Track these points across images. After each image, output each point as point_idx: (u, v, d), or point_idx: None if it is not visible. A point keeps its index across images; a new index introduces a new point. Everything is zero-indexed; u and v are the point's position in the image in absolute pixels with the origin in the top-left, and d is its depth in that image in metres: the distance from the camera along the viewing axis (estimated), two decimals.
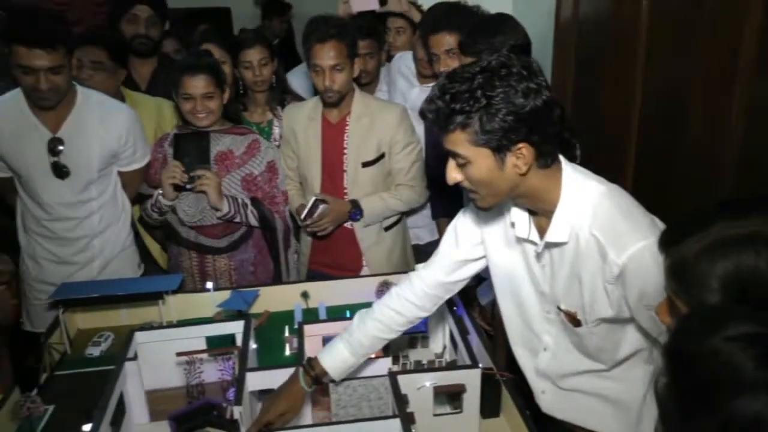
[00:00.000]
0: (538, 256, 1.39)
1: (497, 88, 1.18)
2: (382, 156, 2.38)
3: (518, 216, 1.39)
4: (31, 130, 2.14)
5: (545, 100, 1.20)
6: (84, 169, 2.20)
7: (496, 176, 1.25)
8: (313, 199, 2.31)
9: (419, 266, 1.65)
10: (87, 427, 1.41)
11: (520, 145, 1.22)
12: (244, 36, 2.63)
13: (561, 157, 1.33)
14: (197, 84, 2.18)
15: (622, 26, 2.16)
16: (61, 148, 2.14)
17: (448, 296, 1.62)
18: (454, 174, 1.30)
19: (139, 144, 2.32)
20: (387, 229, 2.48)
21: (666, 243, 0.94)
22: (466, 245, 1.53)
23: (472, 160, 1.24)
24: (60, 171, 2.16)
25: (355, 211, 2.37)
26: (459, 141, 1.23)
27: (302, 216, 2.32)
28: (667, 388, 0.66)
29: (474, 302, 1.90)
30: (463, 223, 1.54)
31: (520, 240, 1.41)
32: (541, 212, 1.35)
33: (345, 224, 2.43)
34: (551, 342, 1.48)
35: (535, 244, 1.38)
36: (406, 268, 2.51)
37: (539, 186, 1.29)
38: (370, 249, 2.46)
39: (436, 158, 2.49)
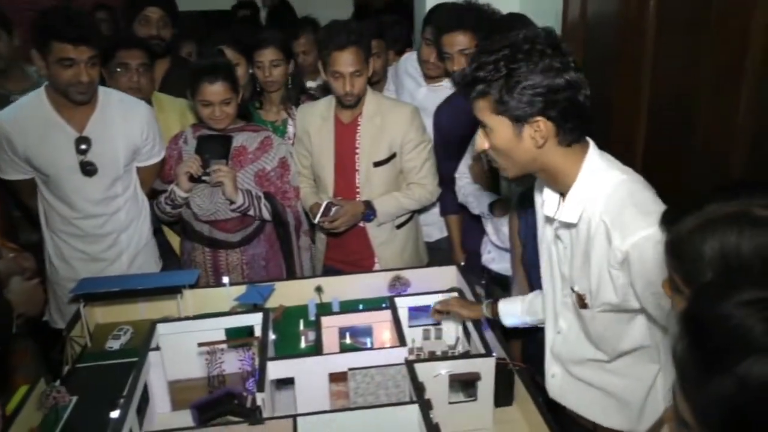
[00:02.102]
0: (558, 236, 1.44)
1: (519, 62, 1.25)
2: (393, 155, 2.43)
3: (549, 195, 1.44)
4: (57, 130, 2.18)
5: (568, 80, 1.26)
6: (111, 165, 2.25)
7: (514, 146, 1.32)
8: (326, 202, 2.36)
9: None
10: (115, 413, 1.45)
11: (538, 118, 1.28)
12: (260, 36, 2.68)
13: (591, 143, 1.38)
14: (216, 91, 2.24)
15: (629, 25, 2.19)
16: (86, 146, 2.19)
17: None
18: (482, 141, 1.37)
19: (157, 138, 2.39)
20: (399, 227, 2.52)
21: (666, 221, 0.99)
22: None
23: (493, 128, 1.33)
24: (88, 169, 2.21)
25: (369, 211, 2.41)
26: (482, 109, 1.32)
27: (316, 219, 2.37)
28: (685, 351, 0.70)
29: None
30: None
31: (548, 219, 1.47)
32: (557, 191, 1.41)
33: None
34: (564, 326, 1.52)
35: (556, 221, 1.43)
36: (419, 264, 2.57)
37: (557, 163, 1.35)
38: (382, 246, 2.50)
39: (445, 156, 2.54)
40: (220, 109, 2.27)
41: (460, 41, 2.27)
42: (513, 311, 1.76)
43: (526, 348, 2.10)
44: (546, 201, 1.45)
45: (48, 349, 1.91)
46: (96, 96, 2.23)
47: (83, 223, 2.27)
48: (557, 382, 1.59)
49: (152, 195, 2.47)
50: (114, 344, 2.01)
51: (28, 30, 2.17)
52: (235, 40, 2.69)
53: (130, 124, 2.28)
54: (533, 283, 1.88)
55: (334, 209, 2.36)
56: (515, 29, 1.93)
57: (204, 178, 2.27)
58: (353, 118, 2.43)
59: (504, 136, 1.32)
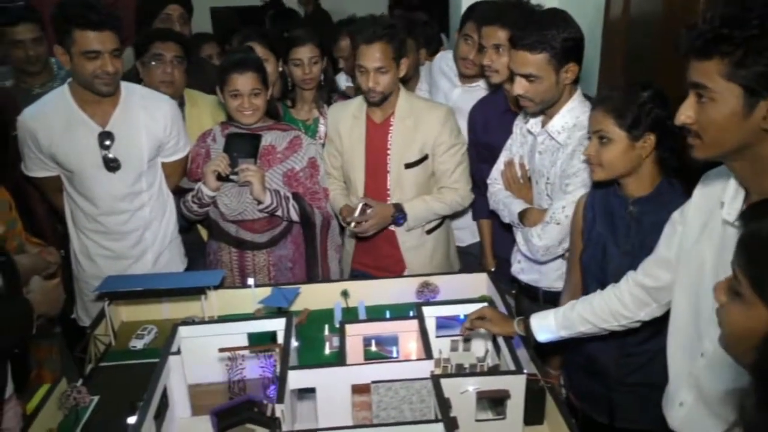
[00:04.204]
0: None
1: None
2: (425, 157, 2.36)
3: (733, 197, 1.26)
4: (80, 126, 2.18)
5: None
6: (134, 161, 2.24)
7: (734, 123, 1.13)
8: (361, 204, 2.31)
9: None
10: (132, 419, 1.43)
11: None
12: (295, 34, 2.65)
13: None
14: (246, 81, 2.21)
15: (676, 19, 2.09)
16: (110, 142, 2.18)
17: (654, 303, 1.53)
18: (688, 112, 1.19)
19: (181, 134, 2.37)
20: (429, 232, 2.46)
21: (748, 216, 0.90)
22: (663, 241, 1.48)
23: (717, 97, 1.13)
24: (111, 165, 2.20)
25: (399, 215, 2.35)
26: (710, 72, 1.12)
27: (353, 219, 2.31)
28: (758, 406, 0.62)
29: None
30: (670, 219, 1.47)
31: (725, 224, 1.27)
32: (758, 192, 1.20)
33: (387, 226, 2.41)
34: (710, 348, 1.31)
35: (737, 227, 1.24)
36: (448, 270, 2.50)
37: None
38: (411, 252, 2.44)
39: (479, 159, 2.46)
40: (249, 101, 2.23)
41: (497, 36, 2.20)
42: (547, 326, 1.68)
43: (565, 362, 2.02)
44: (727, 203, 1.25)
45: (74, 347, 1.90)
46: (119, 91, 2.22)
47: (107, 219, 2.26)
48: (683, 412, 1.40)
49: (178, 192, 2.45)
50: (138, 344, 2.00)
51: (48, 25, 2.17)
52: (264, 37, 2.66)
53: (153, 120, 2.26)
54: (588, 285, 1.81)
55: (369, 211, 2.30)
56: (552, 25, 1.88)
57: (232, 177, 2.24)
58: (385, 117, 2.37)
59: (728, 109, 1.12)
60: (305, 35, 2.63)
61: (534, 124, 2.09)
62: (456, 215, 2.60)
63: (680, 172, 1.69)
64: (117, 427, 1.50)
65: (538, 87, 1.92)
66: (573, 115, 1.98)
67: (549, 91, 1.94)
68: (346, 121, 2.40)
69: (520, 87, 1.94)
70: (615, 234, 1.75)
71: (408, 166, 2.35)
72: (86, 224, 2.29)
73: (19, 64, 2.76)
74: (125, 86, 2.25)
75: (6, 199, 2.02)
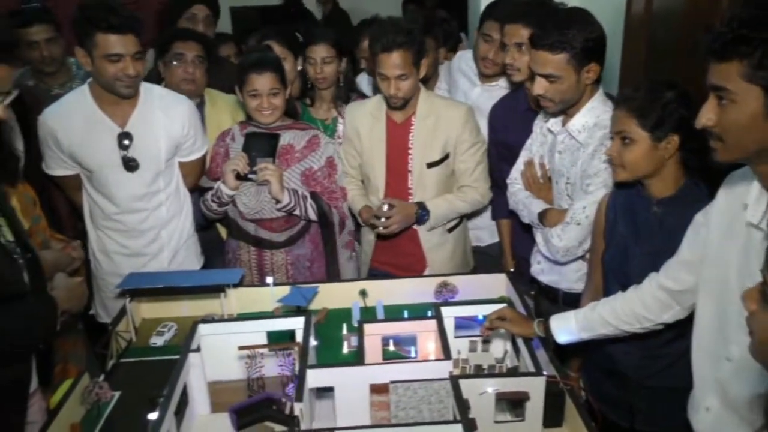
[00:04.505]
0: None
1: None
2: (446, 156, 2.35)
3: (756, 198, 1.24)
4: (100, 126, 2.20)
5: None
6: (152, 161, 2.26)
7: (756, 124, 1.12)
8: (387, 204, 2.31)
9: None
10: (153, 415, 1.44)
11: None
12: (312, 32, 2.65)
13: None
14: (264, 81, 2.22)
15: (700, 19, 2.06)
16: (128, 142, 2.20)
17: (677, 306, 1.52)
18: (709, 114, 1.18)
19: (198, 134, 2.39)
20: (450, 230, 2.46)
21: None
22: (686, 243, 1.46)
23: (737, 99, 1.12)
24: (129, 164, 2.22)
25: (422, 212, 2.34)
26: (730, 74, 1.12)
27: (379, 223, 2.31)
28: None
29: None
30: (694, 221, 1.45)
31: (750, 226, 1.26)
32: None
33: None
34: (737, 353, 1.28)
35: (761, 230, 1.23)
36: (466, 270, 2.49)
37: None
38: (433, 250, 2.43)
39: (498, 158, 2.45)
40: (267, 101, 2.24)
41: (520, 34, 2.18)
42: (567, 328, 1.67)
43: (585, 364, 2.00)
44: (751, 205, 1.24)
45: (93, 343, 1.92)
46: (138, 92, 2.24)
47: (125, 218, 2.29)
48: (710, 418, 1.37)
49: (198, 191, 2.47)
50: (158, 340, 2.01)
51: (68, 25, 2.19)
52: (282, 36, 2.66)
53: (171, 120, 2.28)
54: (609, 287, 1.79)
55: (393, 211, 2.31)
56: (573, 24, 1.86)
57: (250, 176, 2.25)
58: (406, 117, 2.36)
59: (749, 110, 1.11)
60: (320, 34, 2.64)
61: (554, 123, 2.07)
62: (475, 215, 2.59)
63: (705, 173, 1.66)
64: (138, 423, 1.51)
65: (559, 87, 1.91)
66: (594, 114, 1.96)
67: (569, 91, 1.92)
68: (364, 120, 2.40)
69: (540, 87, 1.92)
70: (637, 235, 1.73)
71: (430, 165, 2.34)
72: (104, 222, 2.32)
73: (35, 65, 2.79)
74: (144, 87, 2.27)
75: (31, 195, 2.05)
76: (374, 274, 2.48)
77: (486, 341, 1.85)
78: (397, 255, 2.47)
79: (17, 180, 2.02)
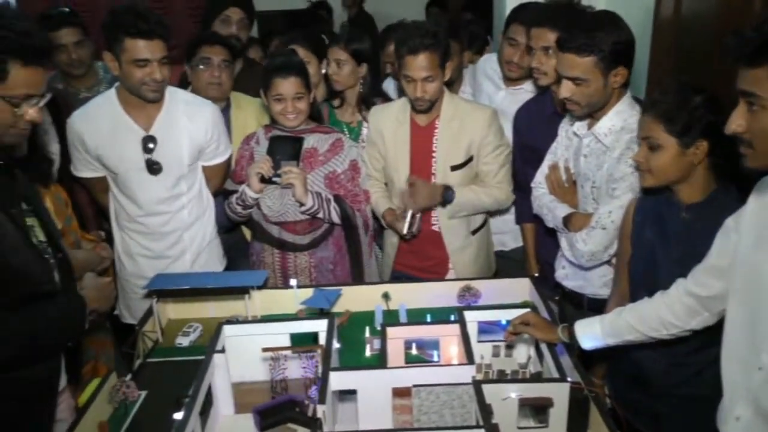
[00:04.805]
0: None
1: None
2: (470, 159, 2.35)
3: None
4: (125, 129, 2.24)
5: None
6: (175, 164, 2.29)
7: None
8: (410, 212, 2.31)
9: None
10: (178, 415, 1.46)
11: None
12: (334, 34, 2.67)
13: None
14: (289, 85, 2.24)
15: (731, 21, 2.02)
16: (153, 145, 2.24)
17: (705, 312, 1.50)
18: (739, 120, 1.19)
19: (222, 138, 2.41)
20: (474, 232, 2.45)
21: None
22: (715, 248, 1.44)
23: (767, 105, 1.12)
24: (153, 168, 2.26)
25: (449, 192, 2.32)
26: (760, 79, 1.12)
27: (404, 231, 2.32)
28: None
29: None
30: (723, 226, 1.44)
31: None
32: None
33: (432, 227, 2.41)
34: None
35: None
36: (489, 274, 2.48)
37: None
38: (456, 253, 2.43)
39: (523, 162, 2.43)
40: (292, 105, 2.26)
41: (547, 38, 2.16)
42: (592, 333, 1.65)
43: (610, 371, 1.97)
44: None
45: (119, 343, 1.95)
46: (163, 96, 2.27)
47: (148, 220, 2.33)
48: (741, 427, 1.34)
49: (223, 194, 2.49)
50: (183, 341, 2.04)
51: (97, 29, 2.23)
52: (306, 39, 2.68)
53: (194, 124, 2.31)
54: (635, 292, 1.76)
55: (418, 217, 2.32)
56: (601, 27, 1.84)
57: (275, 179, 2.27)
58: (430, 120, 2.37)
59: None
60: (337, 36, 2.65)
61: (580, 126, 2.06)
62: (498, 219, 2.58)
63: (736, 178, 1.63)
64: (164, 422, 1.53)
65: (585, 90, 1.89)
66: (621, 117, 1.94)
67: (596, 95, 1.91)
68: (388, 123, 2.41)
69: (566, 90, 1.91)
70: (666, 241, 1.70)
71: (454, 168, 2.34)
72: (128, 224, 2.36)
73: (63, 68, 2.85)
74: (169, 91, 2.30)
75: (63, 197, 2.10)
76: (397, 277, 2.48)
77: (509, 346, 1.84)
78: (421, 258, 2.47)
79: (51, 182, 2.07)
